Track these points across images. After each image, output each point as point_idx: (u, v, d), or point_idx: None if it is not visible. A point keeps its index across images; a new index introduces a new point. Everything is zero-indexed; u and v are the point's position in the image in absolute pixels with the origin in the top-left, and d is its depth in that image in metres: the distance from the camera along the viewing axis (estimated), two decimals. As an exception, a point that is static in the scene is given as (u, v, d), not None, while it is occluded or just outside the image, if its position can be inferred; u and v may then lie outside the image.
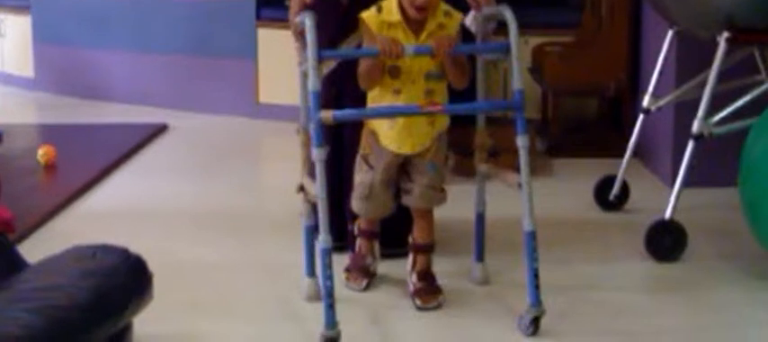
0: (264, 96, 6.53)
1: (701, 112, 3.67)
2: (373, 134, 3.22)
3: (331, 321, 2.84)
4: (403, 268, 3.38)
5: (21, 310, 2.41)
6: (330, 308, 2.84)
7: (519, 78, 3.02)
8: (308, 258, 3.28)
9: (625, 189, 4.32)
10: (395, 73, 3.13)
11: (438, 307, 3.23)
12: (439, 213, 3.39)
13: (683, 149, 3.72)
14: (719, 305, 3.30)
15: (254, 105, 6.58)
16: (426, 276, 3.31)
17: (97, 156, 5.37)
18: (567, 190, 4.65)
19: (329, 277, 2.85)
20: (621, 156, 4.24)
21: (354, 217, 3.43)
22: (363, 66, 3.14)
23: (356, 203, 3.30)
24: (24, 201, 4.39)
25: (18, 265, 2.84)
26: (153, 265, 2.87)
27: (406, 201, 3.29)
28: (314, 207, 3.12)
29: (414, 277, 3.32)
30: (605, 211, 4.29)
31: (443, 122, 3.24)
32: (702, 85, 3.75)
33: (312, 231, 3.23)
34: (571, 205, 4.40)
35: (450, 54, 3.05)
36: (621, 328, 3.08)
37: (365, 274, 3.39)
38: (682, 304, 3.30)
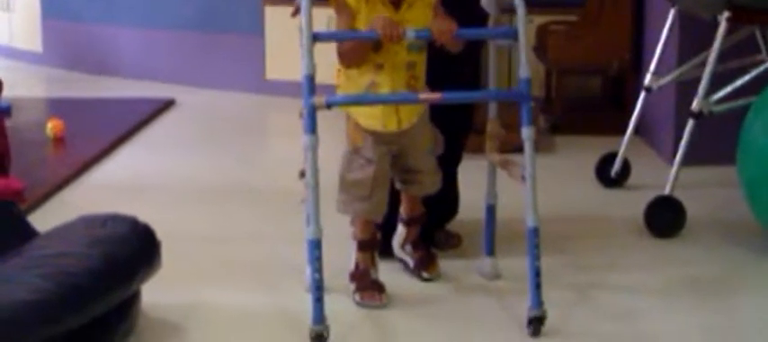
0: (271, 72, 6.57)
1: (701, 91, 3.72)
2: (356, 122, 3.06)
3: (319, 316, 2.73)
4: (394, 271, 3.29)
5: (34, 275, 2.47)
6: (318, 302, 2.72)
7: (526, 66, 2.85)
8: None
9: (626, 166, 4.37)
10: (377, 47, 2.96)
11: (439, 276, 3.24)
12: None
13: (683, 127, 3.77)
14: (716, 281, 3.34)
15: (261, 81, 6.62)
16: (421, 244, 3.28)
17: (105, 129, 5.43)
18: (570, 167, 4.70)
19: (318, 270, 2.73)
20: (624, 133, 4.29)
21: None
22: (351, 45, 2.96)
23: (354, 206, 3.08)
24: (33, 173, 4.45)
25: (28, 233, 2.90)
26: (161, 236, 2.93)
27: (413, 190, 3.19)
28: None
29: (408, 248, 3.28)
30: (606, 188, 4.34)
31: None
32: (703, 64, 3.79)
33: None
34: (573, 182, 4.45)
35: (450, 40, 2.90)
36: (620, 308, 3.10)
37: (380, 288, 3.10)
38: (679, 280, 3.33)
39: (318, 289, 2.72)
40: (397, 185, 3.20)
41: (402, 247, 3.31)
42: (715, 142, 4.19)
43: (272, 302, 3.14)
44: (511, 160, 3.03)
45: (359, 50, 2.96)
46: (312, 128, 2.78)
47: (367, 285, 3.10)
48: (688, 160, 3.76)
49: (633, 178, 4.38)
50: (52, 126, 5.20)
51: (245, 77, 6.66)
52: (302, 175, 3.00)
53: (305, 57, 2.78)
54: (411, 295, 3.17)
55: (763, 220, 3.49)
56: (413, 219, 3.27)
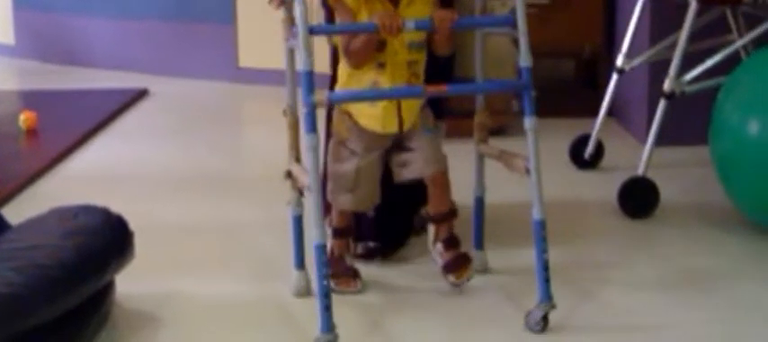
0: (244, 60, 6.57)
1: (672, 71, 3.73)
2: (349, 116, 2.98)
3: (327, 325, 2.57)
4: (395, 269, 3.24)
5: (6, 269, 2.46)
6: (327, 310, 2.56)
7: (527, 54, 2.77)
8: (296, 250, 3.04)
9: (600, 148, 4.39)
10: (380, 46, 2.88)
11: (469, 280, 3.04)
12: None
13: (656, 108, 3.78)
14: (688, 259, 3.36)
15: (234, 69, 6.61)
16: (452, 242, 3.06)
17: (78, 121, 5.40)
18: (543, 149, 4.57)
19: (325, 276, 2.58)
20: (597, 116, 4.30)
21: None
22: (357, 42, 2.86)
23: (340, 198, 3.03)
24: (6, 165, 4.44)
25: (0, 226, 2.89)
26: (135, 226, 2.93)
27: (409, 174, 3.02)
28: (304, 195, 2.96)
29: (439, 246, 3.06)
30: (580, 170, 4.36)
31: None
32: (675, 45, 3.80)
33: (300, 222, 3.02)
34: (547, 164, 4.35)
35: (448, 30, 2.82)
36: (590, 286, 3.10)
37: (355, 275, 3.08)
38: (652, 259, 3.36)
39: (327, 296, 2.57)
40: (395, 177, 3.07)
41: (433, 245, 3.13)
42: (689, 122, 4.21)
43: (249, 291, 3.12)
44: (508, 152, 2.96)
45: (368, 48, 2.87)
46: (312, 127, 2.62)
47: (342, 271, 3.07)
48: (662, 141, 3.78)
49: (607, 160, 4.40)
50: (25, 118, 5.17)
51: (218, 66, 6.66)
52: (288, 175, 2.94)
53: (302, 52, 2.61)
54: (402, 290, 3.11)
55: (736, 198, 3.51)
56: (438, 216, 3.07)
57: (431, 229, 3.11)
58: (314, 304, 2.69)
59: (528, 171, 2.81)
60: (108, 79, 6.70)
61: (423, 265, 3.24)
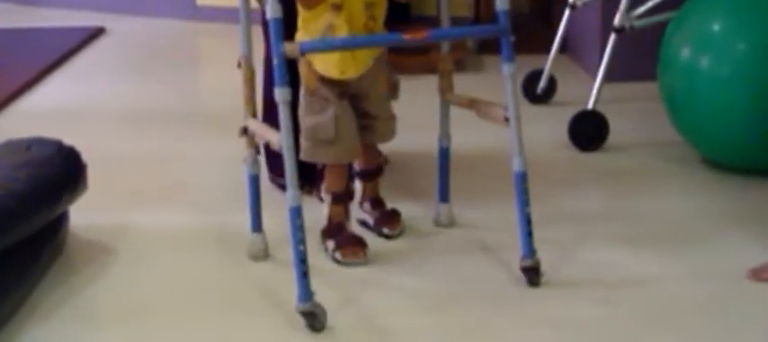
0: (201, -2, 6.58)
1: (622, 6, 3.78)
2: (311, 63, 2.77)
3: (306, 293, 2.37)
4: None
5: (-42, 200, 2.48)
6: (304, 276, 2.37)
7: None
8: (253, 212, 2.83)
9: (552, 83, 4.43)
10: None
11: (402, 232, 2.96)
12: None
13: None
14: (636, 187, 3.43)
15: (192, 7, 6.60)
16: (379, 201, 3.01)
17: (34, 59, 5.38)
18: (497, 85, 4.68)
19: (301, 241, 2.38)
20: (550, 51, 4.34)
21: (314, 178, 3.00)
22: None
23: (320, 152, 2.79)
24: (-40, 103, 4.43)
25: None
26: (91, 160, 2.95)
27: (367, 138, 2.89)
28: (266, 152, 2.86)
29: (367, 206, 2.99)
30: (533, 105, 4.40)
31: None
32: (626, -21, 3.85)
33: (256, 181, 2.82)
34: (500, 99, 4.46)
35: None
36: (540, 213, 3.03)
37: (361, 244, 2.81)
38: (605, 195, 3.42)
39: (303, 262, 2.38)
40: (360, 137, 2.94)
41: (360, 205, 3.01)
42: (641, 58, 4.26)
43: (205, 224, 3.14)
44: (480, 100, 2.83)
45: None
46: (284, 79, 2.42)
47: (346, 241, 2.81)
48: (614, 77, 3.83)
49: (559, 95, 4.45)
50: (-21, 57, 5.16)
51: (175, 4, 6.63)
52: (244, 132, 2.78)
53: None
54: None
55: (684, 132, 3.57)
56: (367, 172, 2.99)
57: (358, 186, 3.01)
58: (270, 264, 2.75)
59: (507, 120, 2.67)
60: (64, 18, 6.66)
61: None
